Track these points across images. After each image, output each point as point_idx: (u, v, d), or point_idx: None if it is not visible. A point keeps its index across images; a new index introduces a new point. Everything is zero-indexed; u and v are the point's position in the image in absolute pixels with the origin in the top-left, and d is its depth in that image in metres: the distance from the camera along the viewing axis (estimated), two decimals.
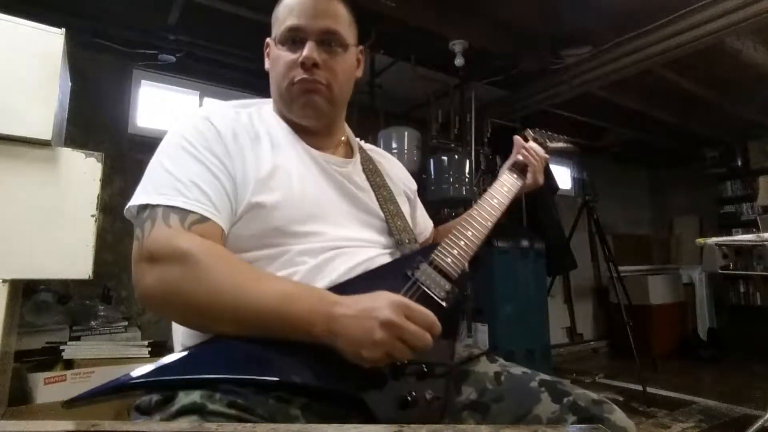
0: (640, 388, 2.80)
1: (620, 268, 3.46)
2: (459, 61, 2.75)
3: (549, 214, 3.79)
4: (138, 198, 0.67)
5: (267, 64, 0.84)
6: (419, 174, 3.08)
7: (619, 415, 0.64)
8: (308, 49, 0.75)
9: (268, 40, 0.84)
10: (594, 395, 0.67)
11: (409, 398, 0.59)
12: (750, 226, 3.96)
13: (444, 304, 0.67)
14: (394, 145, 3.04)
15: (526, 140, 0.99)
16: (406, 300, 0.60)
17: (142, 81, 2.87)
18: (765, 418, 1.95)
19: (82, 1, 2.35)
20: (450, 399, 0.68)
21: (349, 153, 0.89)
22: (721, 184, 4.80)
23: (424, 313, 0.59)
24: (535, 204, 3.77)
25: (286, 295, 0.60)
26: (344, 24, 0.81)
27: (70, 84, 1.41)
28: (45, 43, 1.12)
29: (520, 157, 0.95)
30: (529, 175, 0.95)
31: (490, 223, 0.82)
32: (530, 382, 0.70)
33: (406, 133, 3.06)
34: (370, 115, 3.16)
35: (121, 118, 2.71)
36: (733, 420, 2.33)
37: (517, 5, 2.44)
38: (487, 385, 0.71)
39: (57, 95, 1.12)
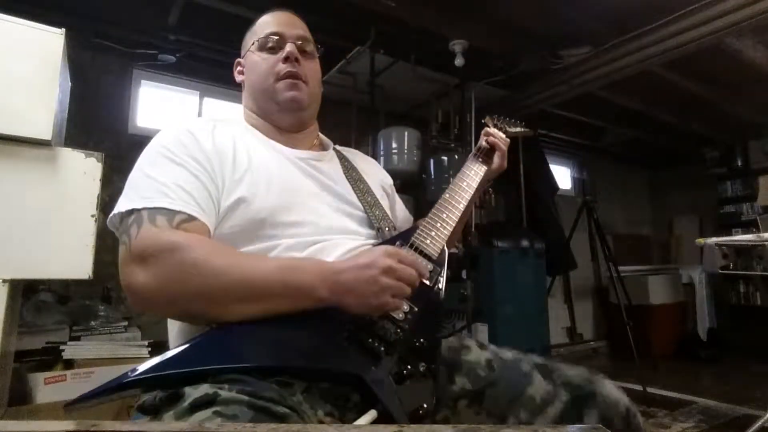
0: (640, 388, 2.80)
1: (620, 268, 3.46)
2: (459, 61, 2.75)
3: (549, 214, 3.80)
4: (121, 205, 0.67)
5: (239, 78, 0.93)
6: (419, 174, 3.08)
7: (610, 388, 0.68)
8: (290, 46, 0.85)
9: (238, 60, 0.93)
10: (585, 372, 0.70)
11: (405, 371, 0.62)
12: (750, 226, 3.96)
13: (428, 282, 0.71)
14: (394, 145, 3.04)
15: (488, 126, 1.04)
16: (393, 248, 0.66)
17: (142, 81, 2.87)
18: (765, 418, 1.95)
19: (83, 1, 2.36)
20: (440, 378, 0.70)
21: (325, 149, 0.94)
22: (721, 184, 4.79)
23: (410, 255, 0.68)
24: (535, 204, 3.77)
25: (287, 266, 0.64)
26: (311, 39, 0.91)
27: (70, 84, 1.40)
28: (45, 43, 1.12)
29: (485, 143, 0.99)
30: (495, 159, 0.98)
31: (462, 205, 0.86)
32: (522, 364, 0.73)
33: (406, 133, 3.06)
34: (370, 115, 3.16)
35: (121, 118, 2.71)
36: (733, 420, 2.33)
37: (517, 5, 2.44)
38: (479, 372, 0.72)
39: (57, 95, 1.12)
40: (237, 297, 0.61)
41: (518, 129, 1.09)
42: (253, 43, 0.88)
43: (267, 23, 0.88)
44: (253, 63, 0.87)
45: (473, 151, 1.00)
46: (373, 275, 0.61)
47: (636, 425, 0.67)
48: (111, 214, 0.68)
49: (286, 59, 0.84)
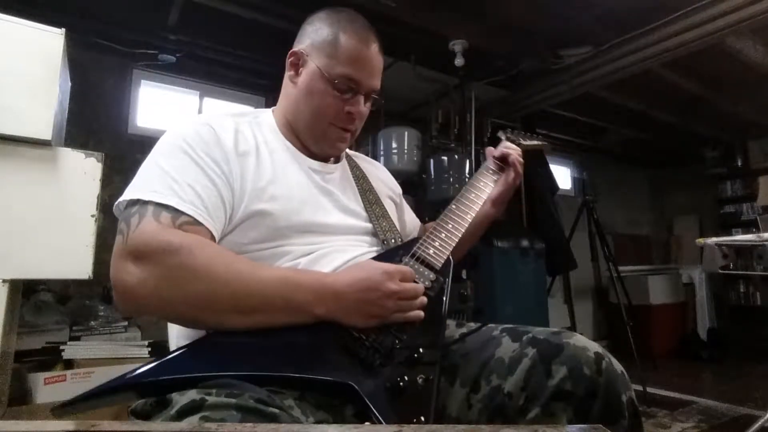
0: (640, 388, 2.80)
1: (620, 268, 3.46)
2: (459, 61, 2.75)
3: (549, 214, 3.79)
4: (129, 193, 0.65)
5: (293, 77, 0.83)
6: (419, 174, 3.08)
7: (579, 338, 0.66)
8: (362, 105, 0.83)
9: (300, 51, 0.82)
10: (553, 328, 0.70)
11: (401, 383, 0.60)
12: (750, 226, 3.97)
13: (430, 293, 0.71)
14: (394, 145, 3.04)
15: (502, 140, 1.02)
16: (393, 266, 0.67)
17: (142, 81, 2.87)
18: (765, 418, 1.95)
19: (82, 1, 2.35)
20: (439, 385, 0.68)
21: (338, 161, 0.93)
22: (721, 184, 4.80)
23: (409, 271, 0.68)
24: (535, 204, 3.76)
25: (286, 280, 0.63)
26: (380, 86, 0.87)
27: (70, 84, 1.41)
28: (45, 43, 1.12)
29: (497, 155, 0.97)
30: (509, 173, 0.95)
31: (469, 216, 0.85)
32: (492, 332, 0.73)
33: (406, 133, 3.06)
34: (370, 115, 3.14)
35: (121, 118, 2.71)
36: (733, 420, 2.33)
37: (517, 5, 2.44)
38: (452, 347, 0.72)
39: (57, 95, 1.12)
40: (233, 308, 0.60)
41: (533, 142, 1.07)
42: (325, 64, 0.79)
43: (350, 56, 0.79)
44: (314, 87, 0.80)
45: (486, 163, 0.98)
46: (376, 297, 0.63)
47: (608, 370, 0.61)
48: (118, 201, 0.66)
49: (350, 115, 0.81)
